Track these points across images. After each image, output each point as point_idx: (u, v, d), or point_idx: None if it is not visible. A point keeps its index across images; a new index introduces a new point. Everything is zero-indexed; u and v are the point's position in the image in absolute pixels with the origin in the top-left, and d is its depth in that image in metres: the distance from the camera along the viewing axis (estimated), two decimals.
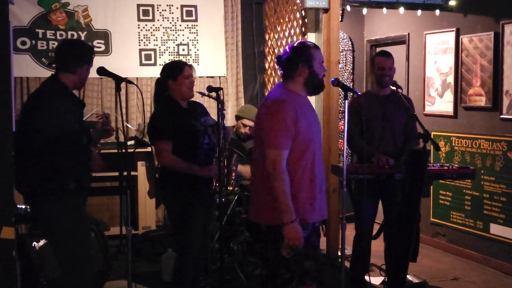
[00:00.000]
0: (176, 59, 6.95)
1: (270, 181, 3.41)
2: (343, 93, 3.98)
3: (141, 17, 6.99)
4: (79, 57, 3.82)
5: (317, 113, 3.80)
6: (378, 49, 7.76)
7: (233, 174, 5.20)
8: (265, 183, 3.46)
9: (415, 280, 5.41)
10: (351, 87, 7.92)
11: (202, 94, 4.70)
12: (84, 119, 6.41)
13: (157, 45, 7.04)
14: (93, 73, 4.00)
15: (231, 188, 5.26)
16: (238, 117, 6.28)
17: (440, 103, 6.58)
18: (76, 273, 3.77)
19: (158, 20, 7.03)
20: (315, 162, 3.53)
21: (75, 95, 4.00)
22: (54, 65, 3.93)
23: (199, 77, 7.14)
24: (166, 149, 4.18)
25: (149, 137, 4.37)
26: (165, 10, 7.04)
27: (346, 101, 4.01)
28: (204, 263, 4.65)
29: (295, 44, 3.61)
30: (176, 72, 4.27)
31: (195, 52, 7.13)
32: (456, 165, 5.14)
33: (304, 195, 3.49)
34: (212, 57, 7.20)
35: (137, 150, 6.42)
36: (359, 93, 3.81)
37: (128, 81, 3.95)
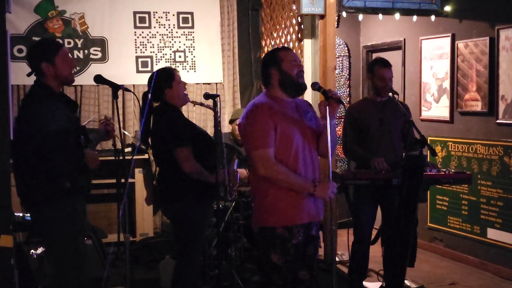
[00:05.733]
0: (173, 66, 6.97)
1: (264, 182, 3.50)
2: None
3: (138, 24, 7.00)
4: (33, 58, 3.80)
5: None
6: (374, 55, 7.80)
7: (237, 179, 5.21)
8: (256, 187, 3.60)
9: (413, 285, 5.42)
10: (348, 92, 7.96)
11: (201, 104, 4.64)
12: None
13: (153, 52, 7.05)
14: (90, 81, 3.99)
15: (236, 195, 5.26)
16: (231, 121, 6.30)
17: (436, 108, 6.60)
18: (67, 280, 3.76)
19: (154, 27, 7.05)
20: (299, 163, 3.53)
21: (64, 95, 4.00)
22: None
23: (196, 84, 7.16)
24: (190, 155, 4.09)
25: (167, 144, 4.16)
26: (161, 17, 7.06)
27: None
28: (202, 270, 4.62)
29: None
30: (170, 80, 4.25)
31: (192, 59, 7.15)
32: (452, 170, 5.15)
33: (287, 197, 3.51)
34: (209, 64, 7.22)
35: (134, 157, 6.41)
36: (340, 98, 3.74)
37: (125, 89, 3.93)
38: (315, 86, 3.65)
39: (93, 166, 3.81)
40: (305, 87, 3.66)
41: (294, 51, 3.63)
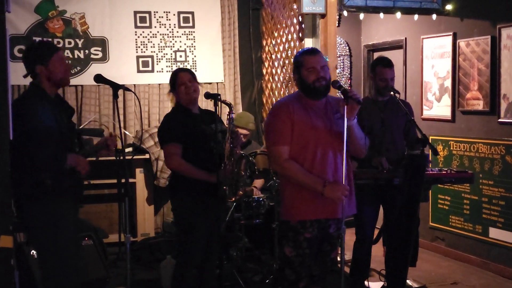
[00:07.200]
0: (174, 65, 6.96)
1: (283, 178, 3.70)
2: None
3: (138, 24, 6.98)
4: (28, 59, 3.86)
5: None
6: (375, 54, 7.79)
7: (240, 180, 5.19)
8: (280, 182, 3.79)
9: (415, 285, 5.40)
10: None
11: (221, 101, 4.67)
12: (81, 126, 6.46)
13: (154, 51, 7.03)
14: (90, 81, 3.99)
15: (242, 193, 5.24)
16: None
17: (438, 107, 6.59)
18: (55, 282, 3.75)
19: (155, 26, 7.03)
20: (315, 162, 3.60)
21: (61, 99, 4.03)
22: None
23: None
24: (174, 152, 4.18)
25: (159, 141, 4.42)
26: (162, 17, 7.04)
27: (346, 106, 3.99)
28: (217, 272, 4.54)
29: None
30: (173, 83, 4.35)
31: (193, 59, 7.13)
32: (454, 169, 5.14)
33: (302, 192, 3.60)
34: (210, 63, 7.20)
35: (135, 157, 6.41)
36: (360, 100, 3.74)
37: (125, 89, 3.93)
38: (335, 85, 3.70)
39: (83, 172, 3.76)
40: (321, 93, 3.67)
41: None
